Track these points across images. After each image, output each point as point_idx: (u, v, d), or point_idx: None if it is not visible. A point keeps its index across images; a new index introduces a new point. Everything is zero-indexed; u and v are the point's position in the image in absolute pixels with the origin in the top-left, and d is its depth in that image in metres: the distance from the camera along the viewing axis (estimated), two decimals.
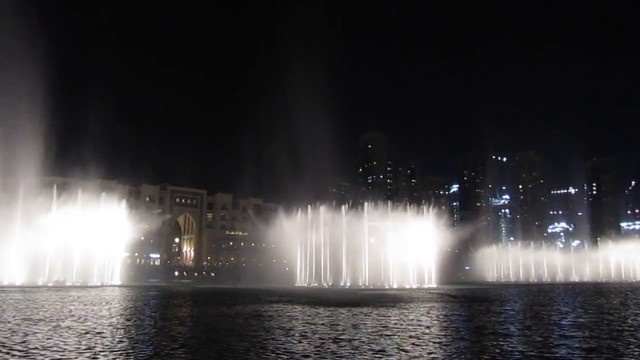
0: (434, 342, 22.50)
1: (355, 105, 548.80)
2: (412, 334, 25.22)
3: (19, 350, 19.33)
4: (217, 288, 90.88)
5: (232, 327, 28.31)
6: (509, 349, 21.05)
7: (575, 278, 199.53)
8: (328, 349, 20.31)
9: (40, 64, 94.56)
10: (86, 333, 24.50)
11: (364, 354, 19.30)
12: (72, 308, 39.01)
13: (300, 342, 22.12)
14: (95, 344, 21.20)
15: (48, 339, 22.37)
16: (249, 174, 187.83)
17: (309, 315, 34.60)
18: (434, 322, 31.67)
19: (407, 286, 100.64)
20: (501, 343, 22.53)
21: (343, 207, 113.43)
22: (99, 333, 24.56)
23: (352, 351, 19.84)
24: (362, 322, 29.97)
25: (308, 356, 18.67)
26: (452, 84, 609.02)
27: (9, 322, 28.59)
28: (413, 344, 21.83)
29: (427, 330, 26.68)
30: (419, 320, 31.83)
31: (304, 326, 28.14)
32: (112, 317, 32.69)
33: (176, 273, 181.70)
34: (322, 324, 28.97)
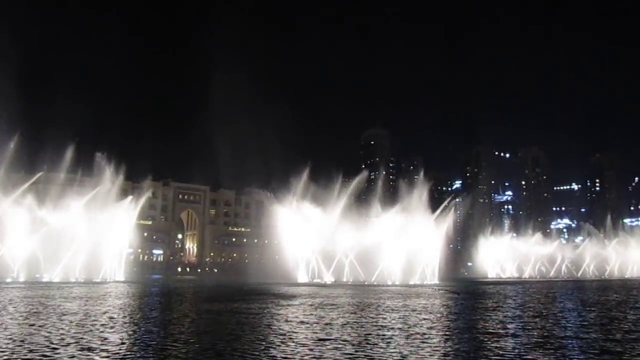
0: (431, 343, 22.04)
1: (358, 102, 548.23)
2: (408, 333, 25.06)
3: None
4: (216, 284, 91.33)
5: (216, 326, 27.98)
6: (509, 349, 21.13)
7: (577, 274, 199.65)
8: (313, 350, 19.78)
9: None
10: (60, 329, 24.67)
11: (350, 355, 18.84)
12: (63, 305, 38.91)
13: (279, 344, 21.38)
14: (55, 341, 21.25)
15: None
16: (250, 171, 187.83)
17: (298, 314, 34.18)
18: (433, 320, 31.51)
19: (410, 282, 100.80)
20: (501, 343, 22.64)
21: (345, 202, 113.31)
22: (73, 331, 24.60)
23: (338, 352, 19.29)
24: (354, 322, 29.38)
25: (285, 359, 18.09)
26: (454, 79, 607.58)
27: None
28: (409, 343, 21.75)
29: (424, 330, 26.10)
30: (417, 318, 31.93)
31: (288, 324, 27.65)
32: (96, 315, 32.18)
33: (179, 269, 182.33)
34: (310, 323, 28.43)
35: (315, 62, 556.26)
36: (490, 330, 26.19)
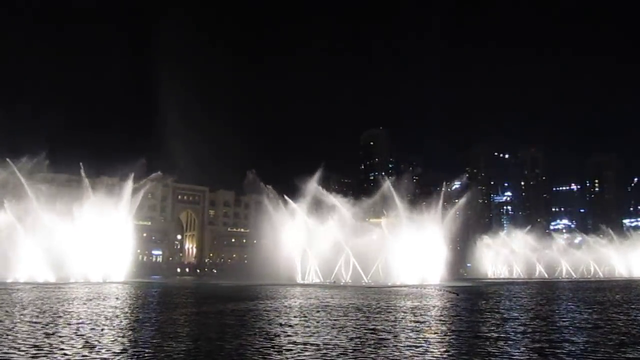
0: (420, 348, 21.37)
1: (357, 102, 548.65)
2: (400, 335, 24.74)
3: None
4: (214, 285, 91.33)
5: (205, 328, 27.61)
6: (504, 352, 21.00)
7: (576, 275, 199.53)
8: (296, 354, 19.40)
9: None
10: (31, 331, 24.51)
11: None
12: (58, 306, 38.72)
13: (264, 347, 20.82)
14: (48, 342, 21.13)
15: None
16: (250, 170, 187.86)
17: (291, 315, 33.82)
18: (428, 322, 31.17)
19: (409, 283, 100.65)
20: (495, 346, 22.52)
21: (344, 203, 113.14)
22: (67, 332, 24.50)
23: (323, 357, 18.91)
24: (348, 323, 28.92)
25: None
26: (454, 80, 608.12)
27: None
28: (398, 346, 21.46)
29: (417, 333, 25.66)
30: (412, 320, 31.75)
31: (276, 327, 27.22)
32: (89, 315, 31.90)
33: (178, 270, 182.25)
34: (299, 326, 28.09)
35: (314, 62, 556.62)
36: (485, 334, 26.03)
